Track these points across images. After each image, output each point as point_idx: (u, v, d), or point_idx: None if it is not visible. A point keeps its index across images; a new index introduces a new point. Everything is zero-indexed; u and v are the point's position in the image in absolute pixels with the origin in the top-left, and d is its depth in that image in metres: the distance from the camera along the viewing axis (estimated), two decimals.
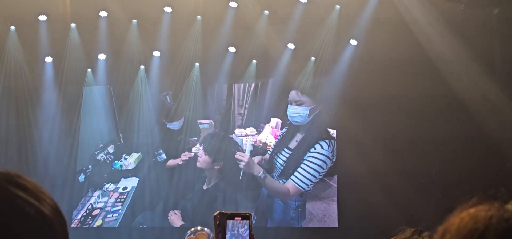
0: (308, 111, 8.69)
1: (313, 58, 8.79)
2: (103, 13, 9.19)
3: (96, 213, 8.80)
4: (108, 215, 8.76)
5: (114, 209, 8.78)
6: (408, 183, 7.94)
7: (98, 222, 8.73)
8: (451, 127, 7.97)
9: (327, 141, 8.56)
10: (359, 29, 8.53)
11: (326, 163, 8.55)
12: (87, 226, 8.79)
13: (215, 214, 1.78)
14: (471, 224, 0.74)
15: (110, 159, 9.10)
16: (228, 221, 1.75)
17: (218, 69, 9.09)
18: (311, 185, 8.57)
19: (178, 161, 9.05)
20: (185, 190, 8.95)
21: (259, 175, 8.56)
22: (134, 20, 9.17)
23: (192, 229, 3.72)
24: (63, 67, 9.34)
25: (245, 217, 1.78)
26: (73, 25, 9.26)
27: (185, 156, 9.01)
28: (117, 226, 8.73)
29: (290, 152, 8.71)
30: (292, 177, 8.56)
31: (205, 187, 8.96)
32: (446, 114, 8.06)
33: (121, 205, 8.78)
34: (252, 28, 8.85)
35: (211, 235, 3.63)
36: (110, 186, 8.91)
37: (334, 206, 8.54)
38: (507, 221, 0.72)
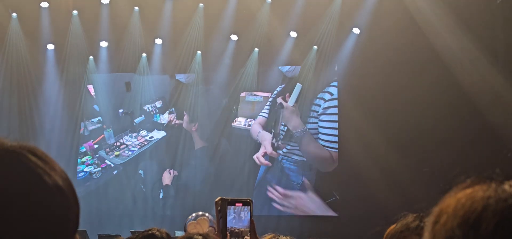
0: None
1: (315, 47, 8.76)
2: (105, 1, 9.16)
3: (123, 147, 9.75)
4: (126, 151, 9.70)
5: (132, 149, 9.68)
6: (411, 172, 7.92)
7: (116, 153, 9.70)
8: (454, 115, 7.94)
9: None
10: (362, 18, 8.49)
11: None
12: (111, 153, 9.69)
13: (217, 199, 1.78)
14: (468, 204, 0.74)
15: (154, 112, 9.70)
16: (229, 206, 1.75)
17: (220, 57, 9.07)
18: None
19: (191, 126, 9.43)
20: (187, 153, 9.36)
21: (295, 133, 8.68)
22: (136, 8, 9.15)
23: (194, 214, 3.72)
24: (65, 54, 9.33)
25: (246, 203, 1.78)
26: (74, 12, 9.24)
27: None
28: (124, 161, 9.58)
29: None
30: (323, 143, 8.60)
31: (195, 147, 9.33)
32: (449, 103, 8.02)
33: (138, 149, 9.68)
34: (255, 16, 8.82)
35: (213, 220, 3.63)
36: (143, 132, 9.74)
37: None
38: (505, 201, 0.72)
